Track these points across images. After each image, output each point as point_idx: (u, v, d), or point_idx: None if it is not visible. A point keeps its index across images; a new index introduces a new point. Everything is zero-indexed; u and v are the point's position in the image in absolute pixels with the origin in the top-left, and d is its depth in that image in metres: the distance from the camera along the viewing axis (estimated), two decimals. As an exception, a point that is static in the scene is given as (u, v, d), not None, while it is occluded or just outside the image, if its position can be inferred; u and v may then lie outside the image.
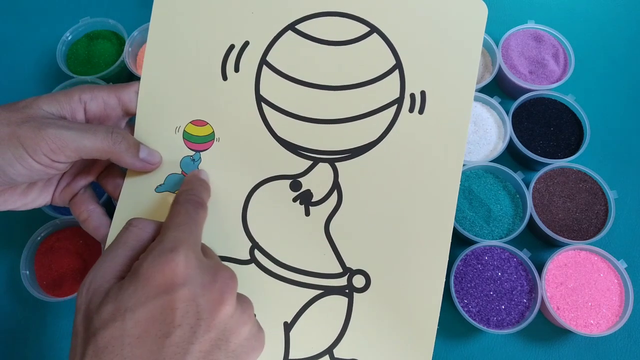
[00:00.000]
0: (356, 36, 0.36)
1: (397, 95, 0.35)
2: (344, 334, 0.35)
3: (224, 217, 0.35)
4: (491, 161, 0.51)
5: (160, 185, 0.36)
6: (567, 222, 0.49)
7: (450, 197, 0.35)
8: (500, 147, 0.52)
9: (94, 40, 0.62)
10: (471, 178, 0.51)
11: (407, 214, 0.35)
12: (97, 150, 0.33)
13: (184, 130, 0.37)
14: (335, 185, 0.35)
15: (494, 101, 0.54)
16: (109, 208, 0.40)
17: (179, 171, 0.36)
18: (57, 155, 0.32)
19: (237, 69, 0.37)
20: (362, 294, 0.35)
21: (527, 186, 0.50)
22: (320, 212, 0.35)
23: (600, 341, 0.47)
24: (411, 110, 0.35)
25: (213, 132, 0.36)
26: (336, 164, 0.36)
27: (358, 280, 0.35)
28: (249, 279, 0.35)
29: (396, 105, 0.35)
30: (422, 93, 0.35)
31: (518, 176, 0.50)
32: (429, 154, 0.35)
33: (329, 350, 0.35)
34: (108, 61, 0.60)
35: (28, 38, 0.67)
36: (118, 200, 0.37)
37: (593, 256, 0.48)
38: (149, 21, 0.62)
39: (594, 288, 0.46)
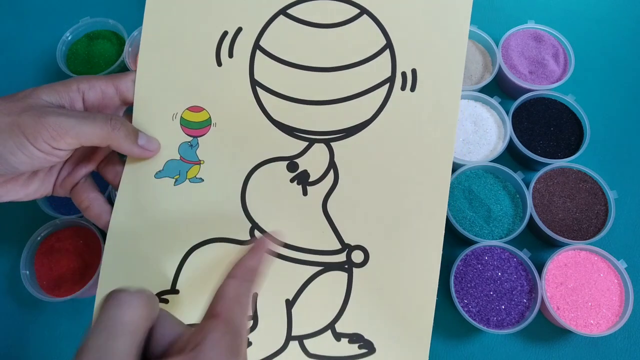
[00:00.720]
0: (347, 18, 0.37)
1: (388, 74, 0.36)
2: (344, 309, 0.35)
3: (223, 199, 0.36)
4: (491, 161, 0.51)
5: (159, 171, 0.37)
6: (567, 222, 0.49)
7: (443, 171, 0.35)
8: (500, 147, 0.52)
9: (94, 40, 0.62)
10: (471, 178, 0.51)
11: (402, 189, 0.35)
12: (96, 136, 0.33)
13: (181, 116, 0.37)
14: (332, 165, 0.36)
15: (494, 101, 0.54)
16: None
17: (178, 157, 0.37)
18: (58, 142, 0.32)
19: (231, 55, 0.37)
20: (361, 269, 0.35)
21: (527, 186, 0.50)
22: (317, 192, 0.36)
23: (600, 341, 0.47)
24: (403, 88, 0.36)
25: (210, 117, 0.37)
26: (331, 144, 0.36)
27: (357, 256, 0.36)
28: None
29: (388, 83, 0.36)
30: (413, 71, 0.36)
31: (518, 176, 0.50)
32: (422, 130, 0.35)
33: (331, 325, 0.35)
34: (108, 61, 0.60)
35: (28, 38, 0.67)
36: (118, 187, 0.37)
37: (593, 256, 0.48)
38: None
39: (594, 288, 0.46)
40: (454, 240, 0.52)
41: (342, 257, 0.36)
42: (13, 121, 0.31)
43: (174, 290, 0.36)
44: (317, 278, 0.36)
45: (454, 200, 0.50)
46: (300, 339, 0.35)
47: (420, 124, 0.36)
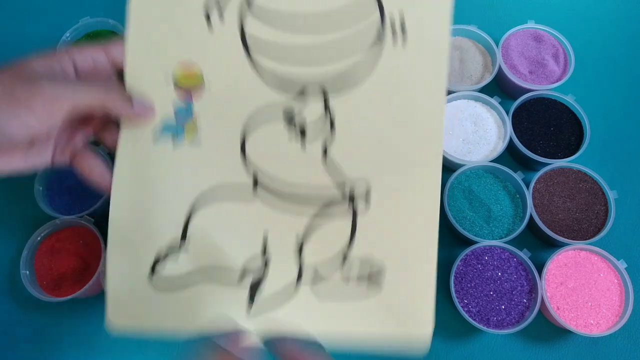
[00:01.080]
0: None
1: (377, 26, 0.37)
2: (353, 238, 0.36)
3: (224, 161, 0.37)
4: (491, 161, 0.51)
5: (156, 132, 0.37)
6: (567, 222, 0.49)
7: (437, 106, 0.36)
8: (500, 147, 0.52)
9: (94, 40, 0.62)
10: (471, 178, 0.51)
11: (398, 133, 0.37)
12: (91, 100, 0.33)
13: (174, 75, 0.37)
14: (327, 109, 0.37)
15: (494, 101, 0.54)
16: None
17: (173, 118, 0.37)
18: (52, 108, 0.32)
19: (221, 16, 0.37)
20: (364, 201, 0.37)
21: (527, 186, 0.50)
22: (315, 147, 0.37)
23: (600, 341, 0.47)
24: (394, 39, 0.37)
25: (202, 75, 0.37)
26: (325, 88, 0.37)
27: (359, 189, 0.37)
28: (256, 214, 0.36)
29: (378, 35, 0.37)
30: (402, 21, 0.37)
31: (518, 176, 0.50)
32: (414, 79, 0.36)
33: (341, 254, 0.36)
34: (108, 61, 0.60)
35: (28, 38, 0.67)
36: (116, 152, 0.37)
37: (593, 256, 0.48)
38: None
39: (594, 288, 0.46)
40: (454, 240, 0.52)
41: (345, 194, 0.37)
42: (6, 90, 0.31)
43: (184, 239, 0.36)
44: (323, 216, 0.37)
45: (454, 200, 0.50)
46: (311, 281, 0.36)
47: (413, 72, 0.36)
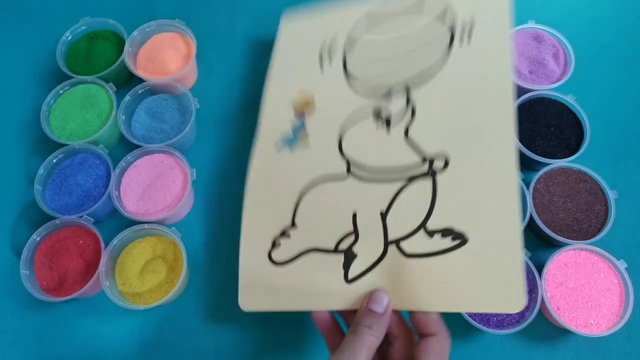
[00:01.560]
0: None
1: (449, 36, 0.46)
2: (432, 209, 0.40)
3: (325, 157, 0.46)
4: (491, 161, 0.51)
5: (278, 143, 0.48)
6: (567, 222, 0.49)
7: (506, 94, 0.41)
8: (500, 147, 0.52)
9: (94, 40, 0.62)
10: (471, 178, 0.51)
11: (469, 113, 0.42)
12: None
13: (294, 102, 0.49)
14: (408, 101, 0.44)
15: (494, 101, 0.54)
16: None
17: (291, 132, 0.48)
18: None
19: (330, 62, 0.50)
20: (443, 173, 0.40)
21: (527, 186, 0.50)
22: (398, 127, 0.44)
23: (600, 341, 0.47)
24: (461, 41, 0.45)
25: (313, 101, 0.48)
26: (408, 87, 0.45)
27: (438, 163, 0.41)
28: (349, 191, 0.43)
29: (448, 40, 0.45)
30: (471, 27, 0.45)
31: (518, 176, 0.50)
32: (482, 75, 0.43)
33: (423, 225, 0.40)
34: (108, 61, 0.60)
35: (28, 38, 0.67)
36: (250, 165, 0.48)
37: (593, 256, 0.48)
38: (148, 21, 0.63)
39: (594, 288, 0.46)
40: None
41: (425, 168, 0.41)
42: None
43: (293, 225, 0.44)
44: (405, 188, 0.41)
45: (454, 200, 0.50)
46: (397, 242, 0.40)
47: (478, 68, 0.43)
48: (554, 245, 0.50)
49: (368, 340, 0.35)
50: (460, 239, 0.38)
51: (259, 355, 0.48)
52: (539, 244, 0.51)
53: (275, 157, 0.47)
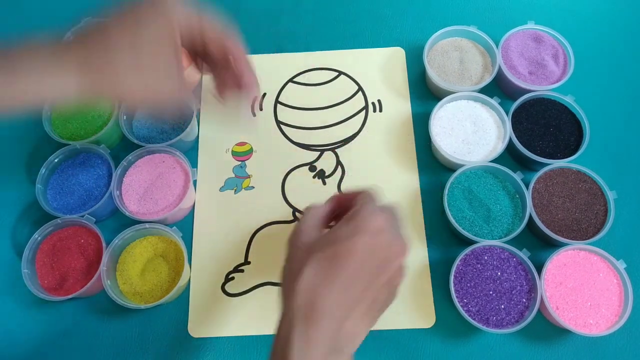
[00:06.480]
0: (331, 78, 0.61)
1: (363, 104, 0.60)
2: None
3: (270, 197, 0.55)
4: (491, 161, 0.51)
5: (222, 186, 0.56)
6: (566, 222, 0.49)
7: (409, 153, 0.56)
8: (500, 147, 0.52)
9: (96, 40, 0.62)
10: (471, 178, 0.51)
11: (384, 169, 0.56)
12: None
13: (232, 150, 0.57)
14: (339, 163, 0.57)
15: (494, 101, 0.54)
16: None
17: (233, 175, 0.56)
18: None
19: (261, 109, 0.60)
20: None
21: (527, 186, 0.50)
22: (332, 181, 0.56)
23: (599, 341, 0.47)
24: (374, 111, 0.59)
25: (252, 147, 0.58)
26: (336, 150, 0.57)
27: None
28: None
29: (364, 110, 0.59)
30: (379, 101, 0.60)
31: (517, 176, 0.50)
32: (391, 134, 0.58)
33: None
34: (109, 61, 0.60)
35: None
36: (195, 200, 0.55)
37: (592, 256, 0.48)
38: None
39: (594, 288, 0.46)
40: (453, 240, 0.52)
41: None
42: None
43: (247, 262, 0.52)
44: None
45: (453, 200, 0.50)
46: None
47: (389, 130, 0.58)
48: (554, 245, 0.50)
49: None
50: None
51: (258, 353, 0.48)
52: (538, 244, 0.51)
53: (219, 195, 0.55)
